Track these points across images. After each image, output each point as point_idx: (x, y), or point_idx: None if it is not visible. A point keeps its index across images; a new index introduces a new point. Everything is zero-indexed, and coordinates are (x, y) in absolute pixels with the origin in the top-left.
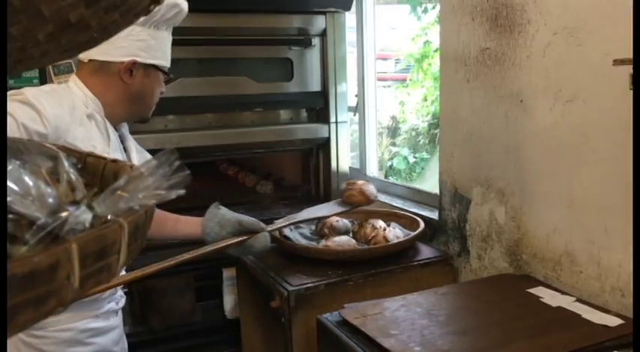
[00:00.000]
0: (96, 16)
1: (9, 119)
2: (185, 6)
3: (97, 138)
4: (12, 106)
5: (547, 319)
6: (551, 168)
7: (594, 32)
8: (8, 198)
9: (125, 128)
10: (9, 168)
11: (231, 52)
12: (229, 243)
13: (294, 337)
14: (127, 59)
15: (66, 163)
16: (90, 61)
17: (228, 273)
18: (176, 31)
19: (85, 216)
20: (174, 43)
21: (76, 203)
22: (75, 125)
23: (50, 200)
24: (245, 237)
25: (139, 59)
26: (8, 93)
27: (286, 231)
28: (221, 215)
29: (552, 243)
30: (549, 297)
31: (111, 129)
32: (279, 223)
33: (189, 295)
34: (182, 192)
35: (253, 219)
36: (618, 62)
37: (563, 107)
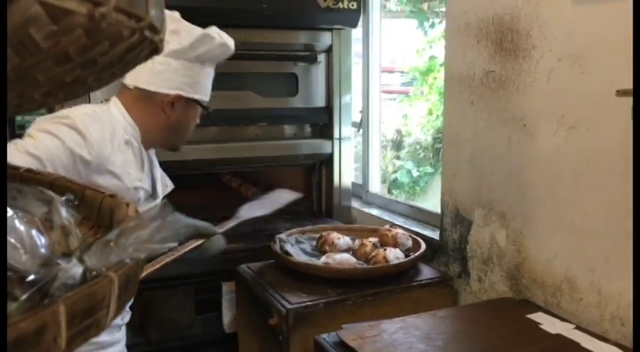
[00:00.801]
0: (93, 74)
1: (57, 142)
2: (232, 44)
3: (132, 164)
4: (60, 129)
5: (545, 347)
6: (552, 193)
7: (599, 60)
8: None
9: (153, 153)
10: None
11: (237, 66)
12: (187, 249)
13: None
14: (172, 92)
15: (61, 208)
16: (135, 87)
17: (227, 287)
18: None
19: (76, 269)
20: None
21: (67, 255)
22: (115, 151)
23: (42, 250)
24: (202, 241)
25: (183, 93)
26: (54, 114)
27: (287, 247)
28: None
29: (553, 268)
30: (548, 324)
31: (145, 156)
32: (228, 223)
33: (189, 308)
34: (174, 245)
35: (206, 222)
36: (621, 93)
37: (566, 133)
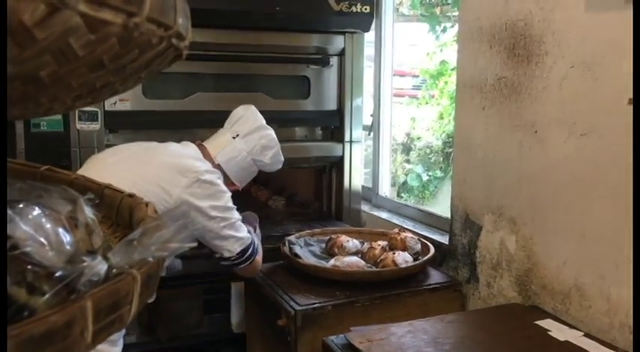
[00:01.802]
0: (121, 79)
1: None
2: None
3: None
4: (224, 187)
5: None
6: (563, 200)
7: (611, 68)
8: (28, 248)
9: None
10: (33, 213)
11: (250, 68)
12: None
13: None
14: (237, 184)
15: (85, 207)
16: (219, 165)
17: (236, 287)
18: (197, 46)
19: (101, 266)
20: (194, 58)
21: (92, 252)
22: None
23: (68, 247)
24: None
25: (239, 187)
26: (210, 170)
27: (296, 249)
28: None
29: (562, 275)
30: (557, 331)
31: None
32: None
33: (197, 307)
34: (194, 244)
35: None
36: (632, 101)
37: (577, 140)
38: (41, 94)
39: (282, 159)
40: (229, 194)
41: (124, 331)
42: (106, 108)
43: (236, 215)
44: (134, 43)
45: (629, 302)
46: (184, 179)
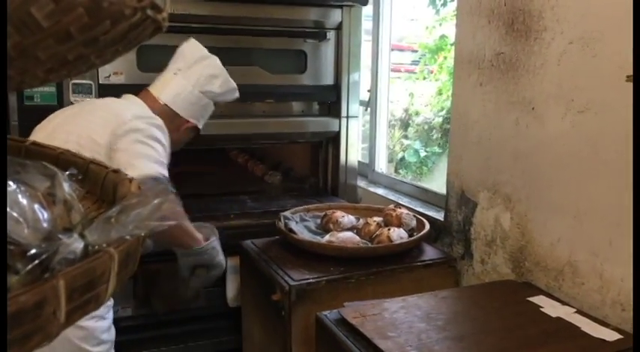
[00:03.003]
0: (95, 51)
1: (162, 147)
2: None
3: None
4: (160, 135)
5: (545, 329)
6: (559, 177)
7: (610, 44)
8: None
9: None
10: (7, 189)
11: (246, 41)
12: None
13: (294, 330)
14: (193, 121)
15: (63, 183)
16: (165, 105)
17: (231, 262)
18: (192, 19)
19: (77, 244)
20: (189, 31)
21: (69, 230)
22: None
23: (44, 225)
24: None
25: (198, 124)
26: (142, 114)
27: (291, 224)
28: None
29: (556, 252)
30: (549, 307)
31: None
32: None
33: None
34: (173, 223)
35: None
36: (631, 78)
37: (574, 117)
38: (8, 66)
39: (235, 85)
40: (161, 146)
41: (111, 305)
42: (100, 82)
43: (157, 153)
44: (104, 14)
45: (621, 279)
46: (110, 127)
